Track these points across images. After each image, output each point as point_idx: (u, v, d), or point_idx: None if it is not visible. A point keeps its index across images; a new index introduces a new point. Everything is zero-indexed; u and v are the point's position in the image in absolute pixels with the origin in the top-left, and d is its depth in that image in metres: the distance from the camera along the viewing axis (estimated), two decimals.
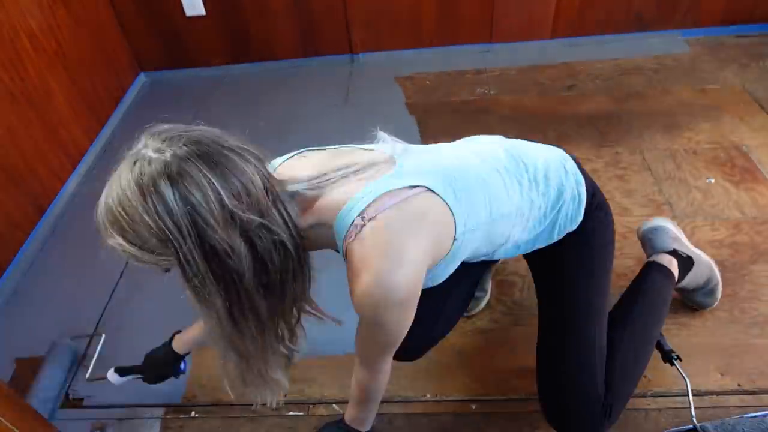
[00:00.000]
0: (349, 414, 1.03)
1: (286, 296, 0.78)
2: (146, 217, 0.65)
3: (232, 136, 0.75)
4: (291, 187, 0.76)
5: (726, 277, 1.35)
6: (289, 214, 0.72)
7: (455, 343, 1.32)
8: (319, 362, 1.32)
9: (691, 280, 1.26)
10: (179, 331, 1.17)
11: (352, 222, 0.75)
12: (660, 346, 1.18)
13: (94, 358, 1.32)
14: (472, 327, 1.35)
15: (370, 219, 0.74)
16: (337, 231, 0.78)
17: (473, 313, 1.37)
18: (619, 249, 1.48)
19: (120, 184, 0.68)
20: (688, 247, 1.30)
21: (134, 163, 0.68)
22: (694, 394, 1.11)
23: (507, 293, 1.42)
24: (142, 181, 0.65)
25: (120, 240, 0.69)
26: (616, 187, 1.68)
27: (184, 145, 0.69)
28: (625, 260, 1.46)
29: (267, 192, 0.70)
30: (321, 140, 2.10)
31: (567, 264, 1.02)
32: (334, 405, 1.24)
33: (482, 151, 0.94)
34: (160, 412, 1.27)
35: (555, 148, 1.02)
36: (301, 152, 0.91)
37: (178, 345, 1.14)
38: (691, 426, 1.07)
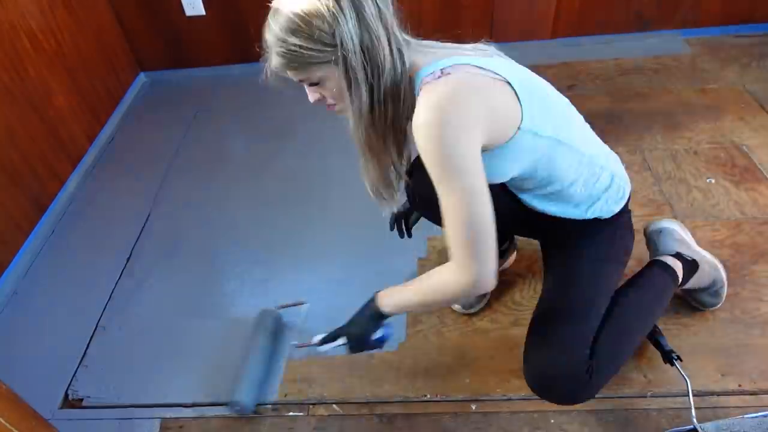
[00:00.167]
0: (392, 297, 1.03)
1: (401, 110, 0.91)
2: (321, 7, 0.80)
3: None
4: (404, 36, 0.91)
5: (727, 277, 1.35)
6: (403, 42, 0.88)
7: (455, 343, 1.32)
8: (319, 362, 1.32)
9: (696, 282, 1.26)
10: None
11: (432, 72, 0.86)
12: (660, 346, 1.18)
13: (300, 325, 1.35)
14: (472, 327, 1.35)
15: (447, 73, 0.85)
16: (417, 77, 0.89)
17: (472, 311, 1.37)
18: None
19: None
20: (693, 250, 1.30)
21: None
22: (694, 395, 1.10)
23: (507, 293, 1.42)
24: None
25: (294, 40, 0.82)
26: None
27: None
28: None
29: (393, 19, 0.88)
30: (321, 140, 2.11)
31: (585, 241, 1.11)
32: (334, 405, 1.24)
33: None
34: (159, 412, 1.27)
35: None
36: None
37: (382, 302, 1.05)
38: (691, 426, 1.07)
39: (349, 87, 0.86)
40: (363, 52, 0.83)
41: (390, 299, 1.04)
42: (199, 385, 1.31)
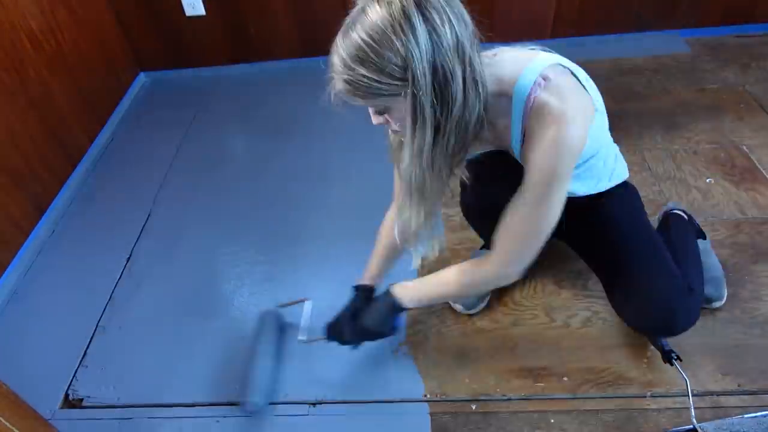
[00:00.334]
0: (412, 290, 1.08)
1: (467, 142, 0.87)
2: (394, 39, 0.73)
3: None
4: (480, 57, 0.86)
5: (727, 277, 1.35)
6: (482, 68, 0.83)
7: (455, 342, 1.32)
8: (319, 362, 1.32)
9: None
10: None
11: (534, 82, 0.87)
12: (660, 347, 1.18)
13: (306, 322, 1.33)
14: (472, 327, 1.35)
15: (547, 79, 0.87)
16: (517, 92, 0.89)
17: (473, 312, 1.37)
18: None
19: (369, 19, 0.75)
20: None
21: (377, 3, 0.76)
22: (694, 395, 1.11)
23: (507, 293, 1.42)
24: (392, 10, 0.74)
25: (362, 71, 0.77)
26: None
27: None
28: None
29: (473, 42, 0.81)
30: (321, 140, 2.11)
31: (609, 206, 1.17)
32: (334, 405, 1.24)
33: None
34: (159, 412, 1.27)
35: None
36: None
37: (402, 297, 1.09)
38: (691, 426, 1.07)
39: (414, 123, 0.81)
40: (434, 90, 0.77)
41: (409, 292, 1.07)
42: (200, 386, 1.31)
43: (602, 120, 1.01)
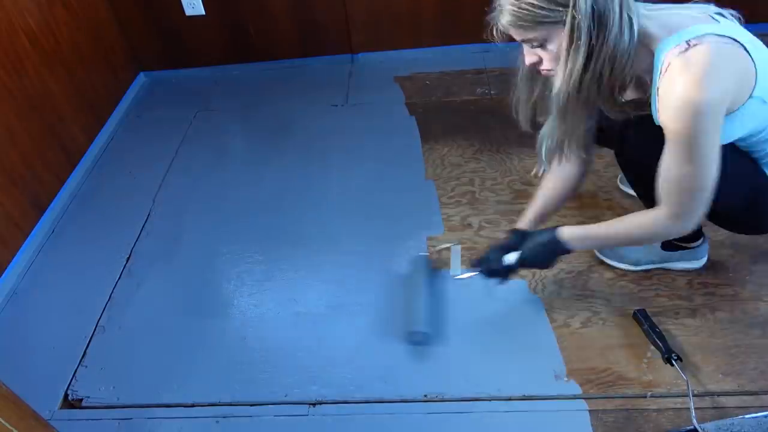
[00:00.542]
0: (578, 232, 1.15)
1: (615, 79, 0.93)
2: None
3: None
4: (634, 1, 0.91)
5: (727, 277, 1.35)
6: (637, 11, 0.90)
7: (455, 342, 1.32)
8: (319, 362, 1.32)
9: None
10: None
11: (677, 45, 0.89)
12: (660, 347, 1.18)
13: (456, 261, 1.43)
14: (472, 326, 1.35)
15: (695, 45, 0.88)
16: (659, 49, 0.92)
17: (638, 269, 1.40)
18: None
19: None
20: None
21: None
22: (694, 395, 1.11)
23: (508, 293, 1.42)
24: None
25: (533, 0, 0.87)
26: (617, 188, 1.67)
27: None
28: None
29: None
30: (321, 140, 2.11)
31: None
32: (334, 405, 1.24)
33: None
34: (159, 412, 1.27)
35: None
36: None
37: (566, 238, 1.16)
38: (691, 427, 1.07)
39: (569, 48, 0.89)
40: (593, 16, 0.85)
41: (576, 231, 1.15)
42: (200, 386, 1.31)
43: None
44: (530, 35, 0.93)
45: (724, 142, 0.99)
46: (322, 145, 2.00)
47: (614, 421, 1.15)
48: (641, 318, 1.28)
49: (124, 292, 1.56)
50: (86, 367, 1.39)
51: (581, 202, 1.64)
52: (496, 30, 0.96)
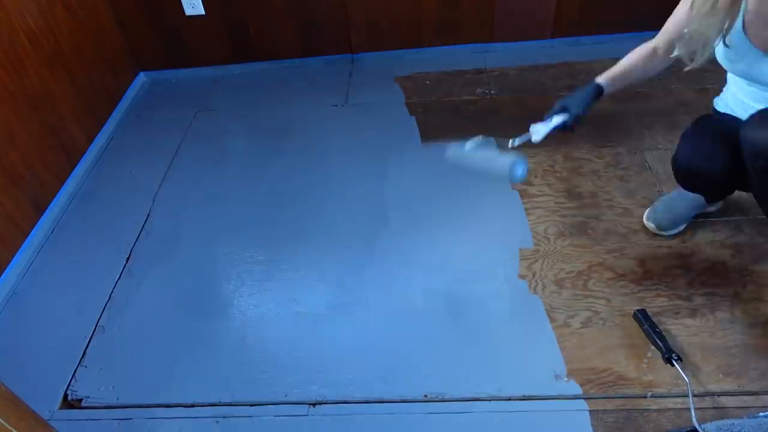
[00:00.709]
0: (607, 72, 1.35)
1: None
2: None
3: None
4: None
5: (727, 277, 1.35)
6: None
7: (455, 342, 1.32)
8: (319, 362, 1.32)
9: None
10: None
11: None
12: (660, 347, 1.17)
13: (523, 138, 1.37)
14: (473, 326, 1.35)
15: None
16: None
17: (667, 234, 1.47)
18: (619, 249, 1.49)
19: None
20: None
21: None
22: (694, 395, 1.11)
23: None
24: None
25: None
26: (617, 188, 1.67)
27: None
28: (626, 260, 1.46)
29: None
30: (321, 140, 2.12)
31: None
32: (334, 405, 1.24)
33: None
34: (158, 412, 1.27)
35: None
36: None
37: (600, 78, 1.33)
38: (692, 427, 1.07)
39: None
40: None
41: (604, 73, 1.33)
42: (199, 386, 1.31)
43: None
44: None
45: None
46: (322, 145, 2.00)
47: (614, 422, 1.15)
48: (641, 318, 1.28)
49: (123, 292, 1.56)
50: (86, 367, 1.39)
51: (581, 202, 1.64)
52: None
